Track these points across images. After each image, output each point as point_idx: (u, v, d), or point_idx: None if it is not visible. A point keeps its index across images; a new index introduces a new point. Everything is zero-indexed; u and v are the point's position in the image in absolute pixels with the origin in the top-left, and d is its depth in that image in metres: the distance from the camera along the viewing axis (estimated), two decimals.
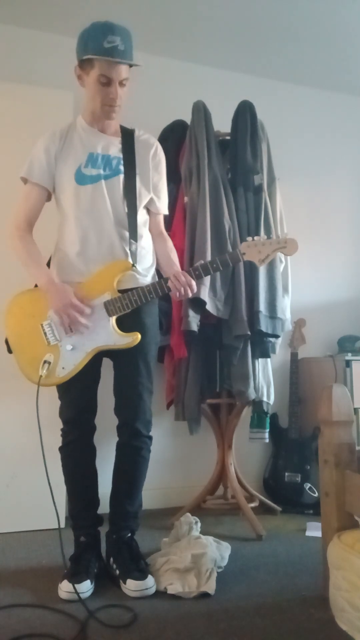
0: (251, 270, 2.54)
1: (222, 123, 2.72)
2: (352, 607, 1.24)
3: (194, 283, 1.84)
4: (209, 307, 2.40)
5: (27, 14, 2.79)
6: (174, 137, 2.79)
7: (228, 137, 2.73)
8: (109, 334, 1.82)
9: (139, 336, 1.83)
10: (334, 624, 1.32)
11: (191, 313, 2.39)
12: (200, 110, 2.61)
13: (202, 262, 1.87)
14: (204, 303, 2.38)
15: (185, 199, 2.62)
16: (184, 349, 2.51)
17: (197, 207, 2.51)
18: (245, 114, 2.66)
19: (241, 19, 2.88)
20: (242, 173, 2.63)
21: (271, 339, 2.61)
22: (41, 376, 1.79)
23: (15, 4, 2.73)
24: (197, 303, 2.39)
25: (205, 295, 2.36)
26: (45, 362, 1.80)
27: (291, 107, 3.46)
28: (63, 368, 1.82)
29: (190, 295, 1.84)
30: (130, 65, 1.83)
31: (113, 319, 1.83)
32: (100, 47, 1.76)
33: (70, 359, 1.82)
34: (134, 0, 2.69)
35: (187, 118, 2.71)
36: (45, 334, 1.84)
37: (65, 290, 1.80)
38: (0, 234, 2.52)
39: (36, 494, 2.43)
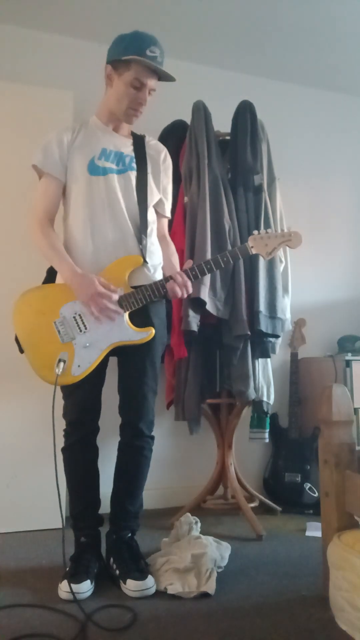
0: (251, 270, 2.54)
1: (222, 123, 2.72)
2: (352, 607, 1.24)
3: (189, 284, 1.85)
4: (209, 307, 2.40)
5: (27, 14, 2.79)
6: (174, 137, 2.79)
7: (228, 137, 2.73)
8: (124, 330, 1.82)
9: (154, 331, 1.84)
10: (334, 624, 1.32)
11: (191, 313, 2.39)
12: (200, 110, 2.61)
13: (212, 256, 1.89)
14: (204, 303, 2.37)
15: (185, 199, 2.62)
16: (184, 349, 2.51)
17: (197, 207, 2.51)
18: (245, 114, 2.65)
19: (241, 19, 2.88)
20: (242, 173, 2.63)
21: (271, 339, 2.61)
22: (57, 375, 1.75)
23: (15, 4, 2.73)
24: (197, 303, 2.39)
25: (205, 295, 2.36)
26: (60, 360, 1.77)
27: (291, 107, 3.47)
28: (79, 366, 1.79)
29: (185, 296, 1.86)
30: (160, 79, 1.91)
31: (126, 315, 1.82)
32: (143, 53, 1.82)
33: (86, 356, 1.80)
34: (134, 0, 2.69)
35: (187, 118, 2.71)
36: (58, 332, 1.81)
37: (90, 279, 1.77)
38: (4, 231, 2.55)
39: (36, 494, 2.44)
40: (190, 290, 1.87)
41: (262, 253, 1.89)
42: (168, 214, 2.10)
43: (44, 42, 2.92)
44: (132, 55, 1.82)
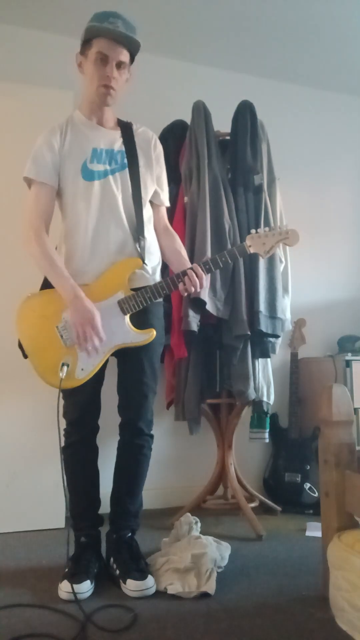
0: (251, 270, 2.54)
1: (222, 123, 2.72)
2: (352, 607, 1.24)
3: (204, 277, 1.85)
4: (209, 307, 2.40)
5: (27, 14, 2.79)
6: (174, 137, 2.79)
7: (228, 137, 2.73)
8: (126, 332, 1.82)
9: (155, 333, 1.84)
10: (334, 624, 1.32)
11: (191, 313, 2.39)
12: (200, 110, 2.61)
13: (211, 256, 1.88)
14: (204, 303, 2.37)
15: (185, 199, 2.62)
16: (184, 349, 2.51)
17: (197, 207, 2.51)
18: (245, 114, 2.66)
19: (241, 19, 2.88)
20: (242, 173, 2.63)
21: (271, 339, 2.61)
22: (61, 379, 1.75)
23: (15, 4, 2.73)
24: (197, 303, 2.39)
25: (205, 295, 2.36)
26: (63, 364, 1.77)
27: (291, 107, 3.47)
28: (82, 369, 1.79)
29: (199, 288, 1.86)
30: (130, 53, 1.86)
31: (127, 317, 1.82)
32: (101, 26, 1.79)
33: (89, 360, 1.80)
34: (134, 0, 2.69)
35: (187, 118, 2.71)
36: (61, 336, 1.80)
37: (91, 311, 1.75)
38: (5, 232, 2.55)
39: (36, 494, 2.44)
40: (204, 283, 1.86)
41: (260, 252, 1.88)
42: (166, 202, 2.07)
43: (44, 42, 2.92)
44: (91, 31, 1.80)
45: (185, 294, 1.89)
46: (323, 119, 3.55)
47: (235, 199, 2.60)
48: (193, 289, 1.83)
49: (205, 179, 2.52)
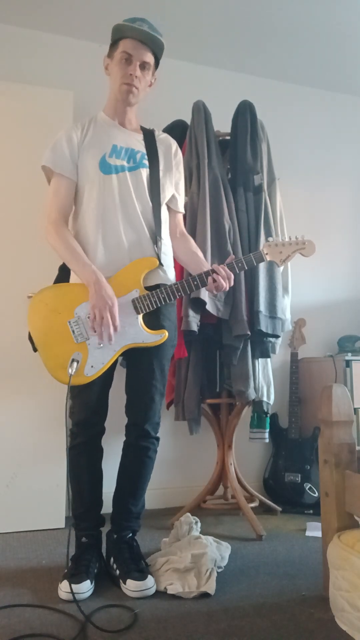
0: (251, 270, 2.54)
1: (222, 123, 2.73)
2: (352, 607, 1.24)
3: (232, 276, 1.84)
4: (209, 307, 2.40)
5: (27, 14, 2.80)
6: (174, 137, 2.76)
7: (228, 137, 2.74)
8: (138, 332, 1.81)
9: (167, 333, 1.84)
10: (334, 624, 1.32)
11: (191, 313, 2.39)
12: (200, 110, 2.61)
13: (228, 262, 1.87)
14: (204, 303, 2.38)
15: (185, 198, 2.61)
16: (184, 349, 2.51)
17: (197, 207, 2.51)
18: (245, 114, 2.66)
19: (241, 19, 2.88)
20: (242, 173, 2.63)
21: (271, 339, 2.61)
22: (70, 375, 1.74)
23: (15, 4, 2.73)
24: (197, 303, 2.39)
25: (205, 295, 2.36)
26: (73, 360, 1.76)
27: (291, 107, 3.47)
28: (92, 367, 1.78)
29: (228, 288, 1.85)
30: (155, 57, 1.90)
31: (141, 317, 1.82)
32: (128, 27, 1.85)
33: (99, 357, 1.79)
34: (134, 0, 2.69)
35: (187, 118, 2.71)
36: (72, 331, 1.79)
37: (112, 298, 1.75)
38: (4, 231, 2.55)
39: (36, 494, 2.44)
40: (232, 282, 1.85)
41: (276, 260, 1.90)
42: (182, 209, 2.09)
43: (44, 42, 2.92)
44: (118, 34, 1.86)
45: (215, 292, 1.87)
46: (323, 119, 3.55)
47: (235, 199, 2.60)
48: (221, 287, 1.82)
49: (205, 179, 2.52)
